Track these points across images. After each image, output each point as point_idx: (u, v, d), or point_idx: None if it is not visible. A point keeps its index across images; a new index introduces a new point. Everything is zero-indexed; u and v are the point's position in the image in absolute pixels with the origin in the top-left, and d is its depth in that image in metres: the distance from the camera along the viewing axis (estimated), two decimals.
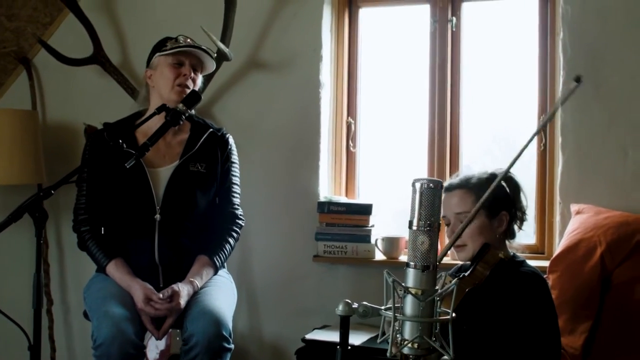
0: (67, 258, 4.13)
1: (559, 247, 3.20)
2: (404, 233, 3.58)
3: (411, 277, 1.79)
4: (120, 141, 2.88)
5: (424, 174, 3.77)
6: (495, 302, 2.40)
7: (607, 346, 2.93)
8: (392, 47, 3.94)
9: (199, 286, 2.99)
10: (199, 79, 3.17)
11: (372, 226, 3.67)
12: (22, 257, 3.84)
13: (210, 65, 3.19)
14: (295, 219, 3.81)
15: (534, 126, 3.59)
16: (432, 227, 1.78)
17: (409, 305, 1.78)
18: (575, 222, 3.23)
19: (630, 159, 3.33)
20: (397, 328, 1.79)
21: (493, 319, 2.38)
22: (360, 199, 3.90)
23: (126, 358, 2.72)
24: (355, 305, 1.87)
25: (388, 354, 1.78)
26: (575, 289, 3.04)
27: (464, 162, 3.75)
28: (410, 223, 1.81)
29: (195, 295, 2.95)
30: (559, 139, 3.45)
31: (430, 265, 1.78)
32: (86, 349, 2.82)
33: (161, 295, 2.88)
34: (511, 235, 2.69)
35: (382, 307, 1.83)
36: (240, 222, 3.23)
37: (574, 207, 3.33)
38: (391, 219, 3.80)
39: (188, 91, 3.04)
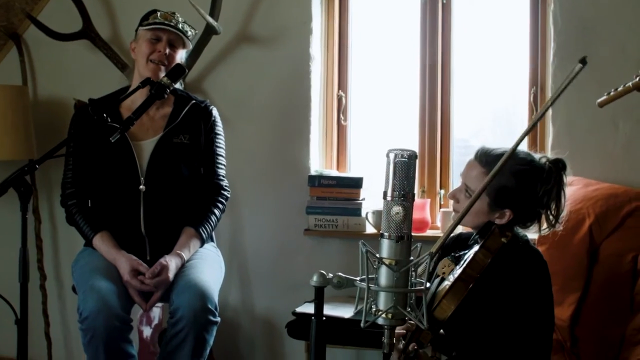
0: (60, 233, 4.14)
1: None
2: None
3: (385, 248, 1.79)
4: (105, 115, 2.88)
5: (415, 147, 3.76)
6: (493, 289, 2.28)
7: (594, 318, 2.93)
8: (383, 20, 3.90)
9: (186, 258, 3.00)
10: (179, 55, 3.16)
11: (363, 199, 3.66)
12: (10, 232, 3.83)
13: (189, 42, 3.20)
14: (286, 193, 3.81)
15: (525, 98, 3.59)
16: (406, 197, 1.78)
17: (384, 275, 1.78)
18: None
19: (620, 131, 3.31)
20: (371, 299, 1.79)
21: (489, 306, 2.29)
22: (351, 172, 3.89)
23: (112, 331, 2.73)
24: (329, 276, 1.87)
25: (362, 325, 1.78)
26: (563, 261, 3.03)
27: (455, 134, 3.74)
28: (385, 194, 1.81)
29: (181, 269, 2.96)
30: (549, 111, 3.42)
31: (404, 236, 1.78)
32: None
33: (149, 273, 2.89)
34: (521, 226, 2.44)
35: (357, 278, 1.83)
36: (225, 193, 3.23)
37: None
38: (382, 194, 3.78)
39: (163, 69, 3.06)
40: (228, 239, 3.86)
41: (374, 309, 1.79)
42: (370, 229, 3.64)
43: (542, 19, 3.54)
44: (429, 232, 3.61)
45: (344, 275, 1.87)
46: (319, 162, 3.85)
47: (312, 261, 3.74)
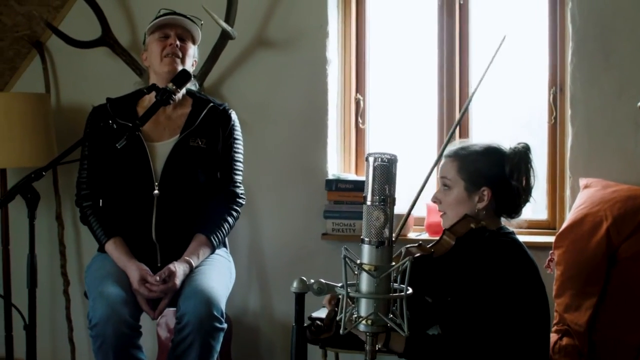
0: (83, 239, 4.17)
1: (565, 222, 3.13)
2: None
3: (366, 253, 1.76)
4: (110, 122, 2.88)
5: (433, 149, 3.72)
6: (461, 272, 2.33)
7: (612, 322, 2.87)
8: (399, 22, 3.87)
9: (195, 265, 2.98)
10: (191, 50, 3.16)
11: None
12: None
13: (197, 35, 3.19)
14: (304, 197, 3.79)
15: (544, 98, 3.52)
16: (386, 202, 1.75)
17: (364, 282, 1.75)
18: (583, 197, 3.15)
19: None
20: (352, 305, 1.76)
21: (460, 289, 2.32)
22: None
23: (121, 338, 2.75)
24: (311, 282, 1.85)
25: (341, 332, 1.76)
26: (580, 264, 2.97)
27: (473, 136, 3.68)
28: (365, 198, 1.78)
29: (189, 274, 2.95)
30: (568, 112, 3.37)
31: (385, 241, 1.75)
32: None
33: (157, 278, 2.89)
34: (506, 212, 2.50)
35: (339, 285, 1.81)
36: (240, 200, 3.21)
37: (582, 182, 3.25)
38: (399, 196, 3.73)
39: (178, 61, 3.06)
40: (246, 244, 3.86)
41: (355, 315, 1.76)
42: None
43: (560, 17, 3.47)
44: None
45: (324, 281, 1.85)
46: (337, 166, 3.83)
47: (330, 265, 3.71)
